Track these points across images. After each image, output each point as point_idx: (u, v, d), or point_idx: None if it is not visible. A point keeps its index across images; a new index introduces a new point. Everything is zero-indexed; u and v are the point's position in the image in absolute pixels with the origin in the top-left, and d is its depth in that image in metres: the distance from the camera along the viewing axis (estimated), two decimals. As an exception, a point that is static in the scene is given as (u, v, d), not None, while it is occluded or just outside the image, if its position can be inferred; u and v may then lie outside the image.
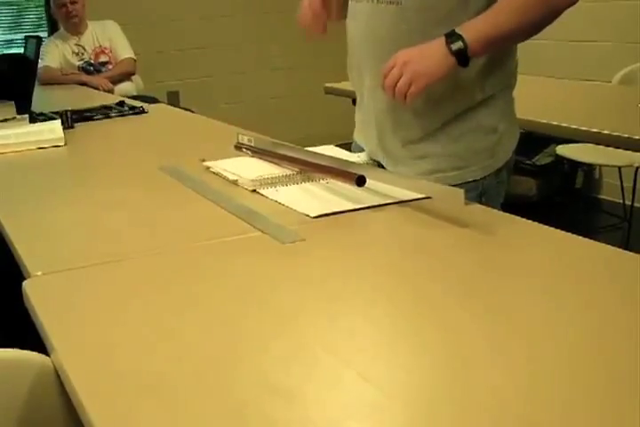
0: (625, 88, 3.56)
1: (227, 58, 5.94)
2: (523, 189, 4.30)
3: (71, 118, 2.50)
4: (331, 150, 1.72)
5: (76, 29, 4.76)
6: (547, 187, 4.33)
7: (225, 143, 1.88)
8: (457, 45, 1.42)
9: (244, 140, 1.84)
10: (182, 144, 2.17)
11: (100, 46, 4.76)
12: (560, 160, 4.13)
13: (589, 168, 4.56)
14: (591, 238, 1.15)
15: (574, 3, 1.45)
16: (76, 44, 4.74)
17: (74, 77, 4.56)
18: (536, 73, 4.69)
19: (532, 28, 1.47)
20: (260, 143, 1.77)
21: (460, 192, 1.21)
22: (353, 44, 1.68)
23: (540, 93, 3.25)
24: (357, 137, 1.81)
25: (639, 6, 4.27)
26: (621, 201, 4.00)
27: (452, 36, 1.43)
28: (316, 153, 1.59)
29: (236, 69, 5.96)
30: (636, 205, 3.87)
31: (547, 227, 1.23)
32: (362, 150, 1.77)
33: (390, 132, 1.65)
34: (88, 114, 2.71)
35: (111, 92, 4.46)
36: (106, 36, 4.79)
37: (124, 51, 4.78)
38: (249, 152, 1.75)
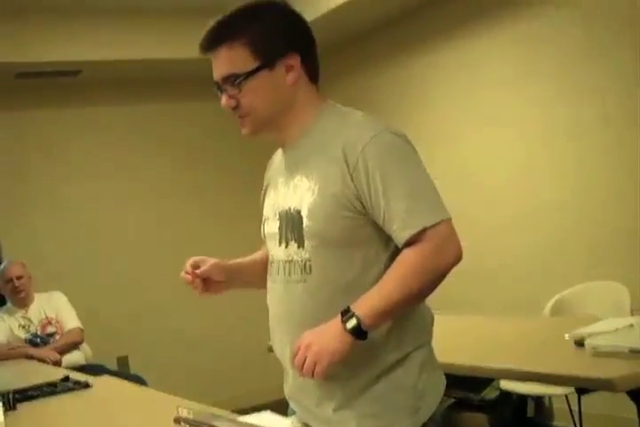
0: (553, 319, 3.74)
1: (173, 321, 6.08)
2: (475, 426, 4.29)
3: (14, 399, 2.50)
4: (267, 417, 1.79)
5: (23, 303, 4.88)
6: (499, 421, 4.32)
7: (166, 416, 1.92)
8: (351, 324, 1.55)
9: (184, 413, 1.90)
10: (125, 420, 2.20)
11: (47, 317, 4.85)
12: (508, 392, 4.17)
13: (538, 396, 4.60)
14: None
15: (457, 262, 1.59)
16: (23, 317, 4.83)
17: (20, 351, 4.59)
18: (464, 307, 4.89)
19: (420, 293, 1.61)
20: (199, 416, 1.82)
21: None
22: (272, 321, 1.82)
23: (470, 332, 3.40)
24: (290, 402, 1.88)
25: (559, 237, 4.57)
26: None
27: (346, 315, 1.56)
28: (250, 424, 1.65)
29: (183, 332, 6.09)
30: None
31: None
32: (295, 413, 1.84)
33: (317, 400, 1.73)
34: (32, 393, 2.72)
35: (58, 363, 4.48)
36: (52, 307, 4.89)
37: (71, 321, 4.86)
38: (187, 426, 1.80)
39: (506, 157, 4.92)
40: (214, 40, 1.69)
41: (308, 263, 1.67)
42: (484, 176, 5.06)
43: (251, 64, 1.67)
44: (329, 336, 1.56)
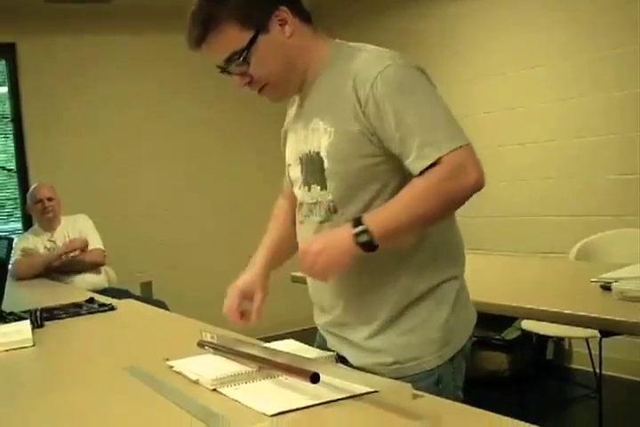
0: (579, 263, 3.72)
1: (198, 248, 6.13)
2: (494, 365, 4.33)
3: (41, 317, 2.55)
4: (291, 345, 1.80)
5: (50, 225, 4.92)
6: (518, 361, 4.37)
7: (189, 340, 1.94)
8: (362, 238, 1.55)
9: (208, 337, 1.91)
10: (148, 342, 2.23)
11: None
12: (528, 333, 4.19)
13: (559, 339, 4.62)
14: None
15: (477, 188, 1.55)
16: (49, 240, 4.89)
17: (48, 256, 4.72)
18: (492, 248, 4.88)
19: (433, 214, 1.59)
20: (223, 340, 1.83)
21: (408, 386, 1.27)
22: None
23: (497, 272, 3.39)
24: (323, 333, 1.89)
25: (589, 182, 4.52)
26: (592, 370, 4.03)
27: (357, 227, 1.56)
28: (274, 350, 1.67)
29: (206, 260, 6.13)
30: (604, 372, 3.91)
31: (494, 415, 1.27)
32: (324, 340, 1.86)
33: (348, 330, 1.75)
34: (58, 312, 2.77)
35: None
36: (77, 230, 4.94)
37: (93, 242, 4.90)
38: (211, 350, 1.81)
39: (531, 105, 4.84)
40: (200, 34, 1.66)
41: (331, 204, 1.70)
42: (509, 121, 5.00)
43: (246, 36, 1.65)
44: (340, 247, 1.59)
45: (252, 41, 1.65)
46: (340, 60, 1.69)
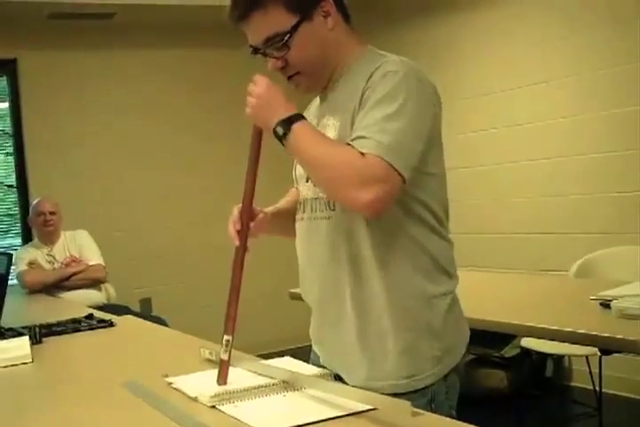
0: (579, 280, 3.71)
1: (198, 264, 6.11)
2: (493, 382, 4.31)
3: (40, 333, 2.54)
4: (289, 362, 1.80)
5: (50, 239, 4.94)
6: (517, 378, 4.35)
7: (189, 356, 1.94)
8: (279, 131, 1.61)
9: (207, 353, 1.91)
10: (147, 358, 2.22)
11: (71, 256, 4.91)
12: (528, 350, 4.18)
13: (558, 356, 4.60)
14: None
15: (357, 208, 1.54)
16: (48, 254, 4.90)
17: (60, 272, 4.75)
18: (492, 266, 4.87)
19: (322, 177, 1.60)
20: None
21: (407, 404, 1.26)
22: (300, 259, 1.84)
23: (496, 289, 3.39)
24: (316, 346, 1.88)
25: (589, 199, 4.53)
26: (592, 388, 4.01)
27: (287, 124, 1.60)
28: (275, 367, 1.66)
29: (206, 276, 6.11)
30: (604, 391, 3.89)
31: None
32: (318, 357, 1.85)
33: (345, 342, 1.73)
34: (57, 328, 2.76)
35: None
36: (76, 245, 4.95)
37: (94, 257, 4.91)
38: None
39: (532, 122, 4.86)
40: (244, 12, 1.66)
41: (332, 200, 1.69)
42: (511, 138, 5.00)
43: (290, 21, 1.65)
44: (264, 116, 1.66)
45: (295, 27, 1.65)
46: (364, 63, 1.70)
